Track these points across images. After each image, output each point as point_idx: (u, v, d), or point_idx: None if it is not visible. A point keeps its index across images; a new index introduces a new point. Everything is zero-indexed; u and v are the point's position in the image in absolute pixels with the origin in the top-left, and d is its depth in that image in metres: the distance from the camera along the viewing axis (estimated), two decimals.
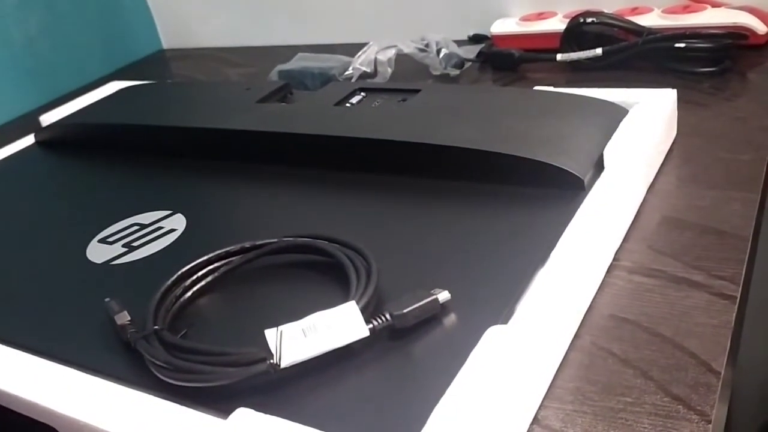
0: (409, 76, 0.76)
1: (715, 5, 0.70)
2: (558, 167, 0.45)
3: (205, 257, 0.42)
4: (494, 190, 0.46)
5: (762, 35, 0.67)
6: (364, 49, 0.76)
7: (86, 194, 0.58)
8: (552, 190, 0.45)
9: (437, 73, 0.75)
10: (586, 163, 0.45)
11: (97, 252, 0.48)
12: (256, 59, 0.96)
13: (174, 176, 0.57)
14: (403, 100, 0.57)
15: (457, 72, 0.74)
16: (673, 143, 0.53)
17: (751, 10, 0.68)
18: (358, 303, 0.35)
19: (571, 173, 0.44)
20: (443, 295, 0.36)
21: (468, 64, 0.76)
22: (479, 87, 0.71)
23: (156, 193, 0.55)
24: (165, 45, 1.11)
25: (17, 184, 0.62)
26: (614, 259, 0.42)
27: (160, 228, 0.50)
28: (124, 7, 1.05)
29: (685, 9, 0.70)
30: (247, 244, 0.43)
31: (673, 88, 0.53)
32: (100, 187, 0.59)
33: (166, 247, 0.47)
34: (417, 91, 0.58)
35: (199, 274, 0.41)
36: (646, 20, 0.69)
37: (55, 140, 0.69)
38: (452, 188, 0.48)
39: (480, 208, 0.45)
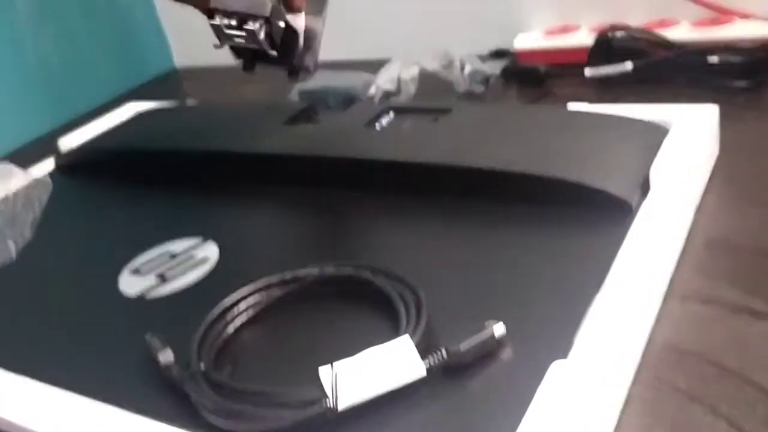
0: (432, 94, 0.74)
1: (742, 16, 0.69)
2: (605, 191, 0.43)
3: (246, 289, 0.41)
4: (537, 214, 0.45)
5: None
6: (386, 66, 0.75)
7: (113, 222, 0.57)
8: (597, 213, 0.43)
9: (461, 90, 0.74)
10: (632, 186, 0.44)
11: (130, 284, 0.47)
12: (272, 76, 0.94)
13: (202, 201, 0.56)
14: (435, 120, 0.56)
15: (482, 89, 0.73)
16: (716, 160, 0.52)
17: None
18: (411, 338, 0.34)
19: (618, 197, 0.43)
20: (499, 328, 0.35)
21: (492, 81, 0.74)
22: (512, 106, 0.69)
23: (185, 219, 0.54)
24: (178, 63, 1.10)
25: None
26: (667, 286, 0.41)
27: (192, 257, 0.48)
28: (137, 26, 1.04)
29: (714, 21, 0.69)
30: (287, 276, 0.41)
31: (706, 102, 0.52)
32: (126, 214, 0.57)
33: (201, 276, 0.46)
34: (448, 110, 0.57)
35: (240, 307, 0.40)
36: (675, 33, 0.68)
37: (76, 166, 0.68)
38: (494, 212, 0.46)
39: (525, 233, 0.44)
